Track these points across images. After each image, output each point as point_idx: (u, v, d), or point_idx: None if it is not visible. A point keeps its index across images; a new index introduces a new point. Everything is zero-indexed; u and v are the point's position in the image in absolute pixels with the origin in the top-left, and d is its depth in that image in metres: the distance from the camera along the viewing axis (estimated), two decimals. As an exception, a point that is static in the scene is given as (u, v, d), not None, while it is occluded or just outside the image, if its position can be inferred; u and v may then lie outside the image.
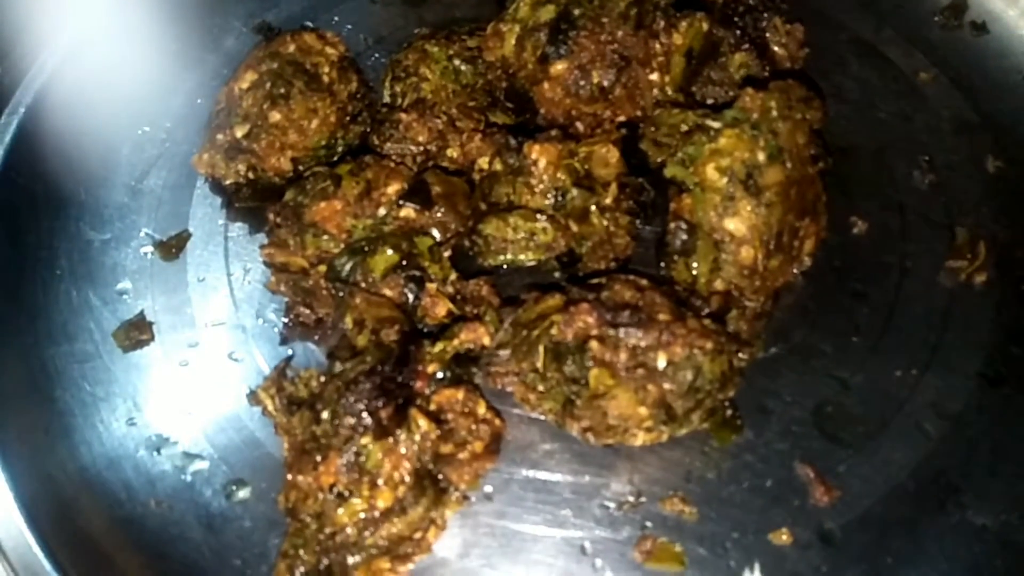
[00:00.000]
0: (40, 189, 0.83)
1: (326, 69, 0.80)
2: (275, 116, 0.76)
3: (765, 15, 0.82)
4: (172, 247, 0.80)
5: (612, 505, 0.67)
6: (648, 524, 0.66)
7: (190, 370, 0.75)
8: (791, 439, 0.69)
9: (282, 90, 0.77)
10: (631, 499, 0.67)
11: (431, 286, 0.71)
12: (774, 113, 0.71)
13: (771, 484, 0.68)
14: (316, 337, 0.74)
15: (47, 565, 0.62)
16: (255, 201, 0.81)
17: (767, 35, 0.82)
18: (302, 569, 0.59)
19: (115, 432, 0.71)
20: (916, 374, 0.72)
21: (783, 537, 0.65)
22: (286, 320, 0.75)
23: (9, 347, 0.73)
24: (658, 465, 0.69)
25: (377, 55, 0.92)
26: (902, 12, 0.93)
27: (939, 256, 0.78)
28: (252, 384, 0.71)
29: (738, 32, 0.81)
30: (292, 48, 0.79)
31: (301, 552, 0.59)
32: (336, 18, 0.95)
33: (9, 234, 0.79)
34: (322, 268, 0.72)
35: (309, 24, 0.92)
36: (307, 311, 0.74)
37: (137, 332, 0.75)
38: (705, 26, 0.79)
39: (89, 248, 0.80)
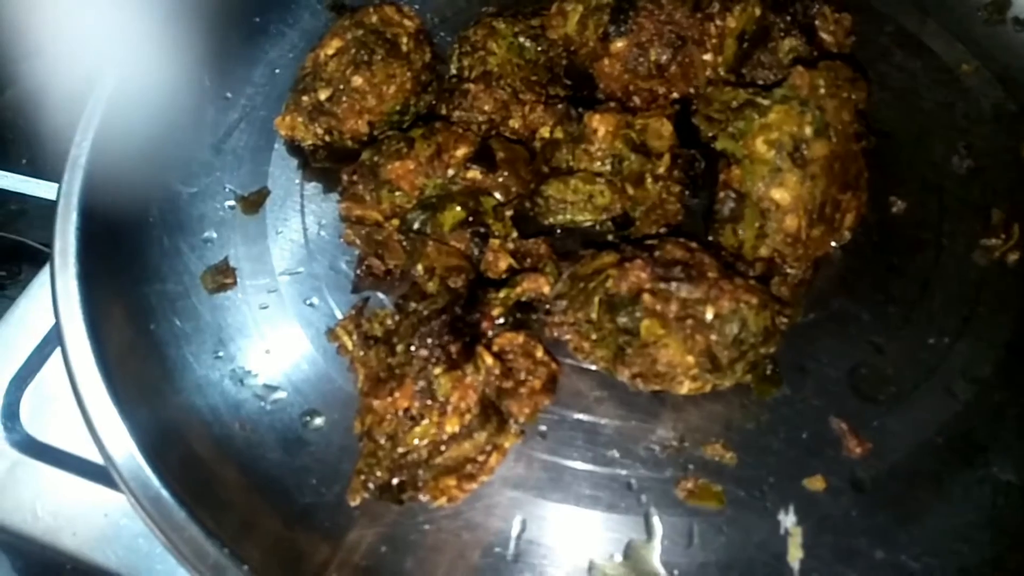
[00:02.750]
0: (134, 145, 0.89)
1: (404, 39, 0.86)
2: (357, 80, 0.83)
3: (815, 3, 0.87)
4: (253, 202, 0.87)
5: (657, 448, 0.72)
6: (690, 466, 0.71)
7: (269, 312, 0.81)
8: (827, 396, 0.74)
9: (365, 56, 0.83)
10: (675, 443, 0.72)
11: (494, 242, 0.77)
12: (822, 91, 0.75)
13: (807, 436, 0.72)
14: (385, 287, 0.81)
15: (154, 479, 0.69)
16: (330, 163, 0.87)
17: (816, 22, 0.87)
18: (375, 484, 0.65)
19: (203, 363, 0.78)
20: (948, 342, 0.76)
21: (817, 483, 0.70)
22: (357, 271, 0.81)
23: (111, 283, 0.80)
24: (700, 415, 0.74)
25: (442, 33, 0.98)
26: (947, 7, 0.97)
27: (974, 235, 0.82)
28: (326, 326, 0.77)
29: (788, 18, 0.85)
30: (375, 19, 0.86)
31: (375, 470, 0.65)
32: (404, -1, 1.01)
33: (107, 185, 0.86)
34: (395, 222, 0.78)
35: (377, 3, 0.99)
36: (378, 262, 0.80)
37: (221, 276, 0.82)
38: (757, 11, 0.84)
39: (178, 199, 0.87)
